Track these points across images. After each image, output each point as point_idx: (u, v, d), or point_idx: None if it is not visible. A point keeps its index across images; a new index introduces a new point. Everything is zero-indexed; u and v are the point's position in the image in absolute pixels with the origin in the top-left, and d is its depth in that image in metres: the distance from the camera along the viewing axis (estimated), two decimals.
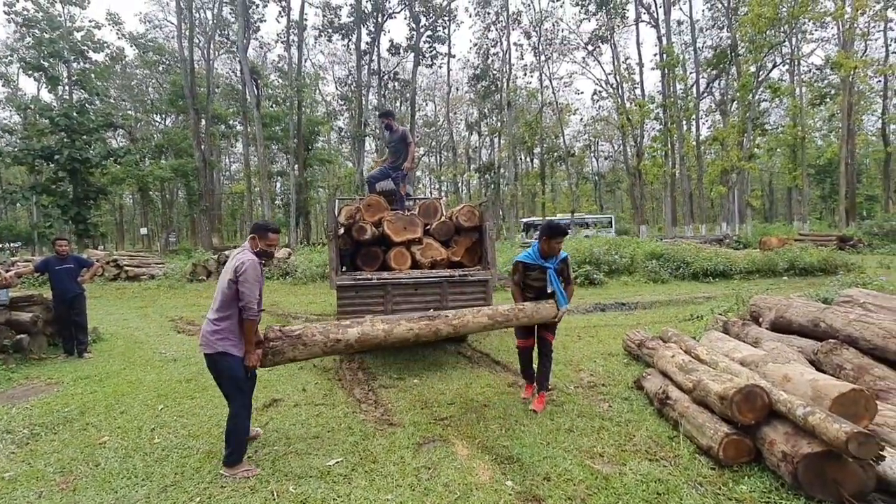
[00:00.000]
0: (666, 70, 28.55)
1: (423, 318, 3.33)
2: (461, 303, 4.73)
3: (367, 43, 26.48)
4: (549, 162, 40.36)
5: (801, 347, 3.79)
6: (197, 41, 30.93)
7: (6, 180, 35.28)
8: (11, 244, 33.74)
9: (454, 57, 31.16)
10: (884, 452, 2.27)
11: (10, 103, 29.47)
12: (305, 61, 36.56)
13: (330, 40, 28.28)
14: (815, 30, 32.10)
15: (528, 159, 48.37)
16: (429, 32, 28.13)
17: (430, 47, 28.58)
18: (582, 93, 62.62)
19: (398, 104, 32.77)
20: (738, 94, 30.16)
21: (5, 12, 25.63)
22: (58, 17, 27.60)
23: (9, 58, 28.46)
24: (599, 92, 40.38)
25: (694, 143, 32.12)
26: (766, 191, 53.25)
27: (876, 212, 34.98)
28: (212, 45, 30.82)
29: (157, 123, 39.29)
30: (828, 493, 2.36)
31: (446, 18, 29.17)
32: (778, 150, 40.08)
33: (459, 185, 47.27)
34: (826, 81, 35.98)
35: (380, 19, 25.54)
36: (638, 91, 34.92)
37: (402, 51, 28.32)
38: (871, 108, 39.13)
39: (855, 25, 26.61)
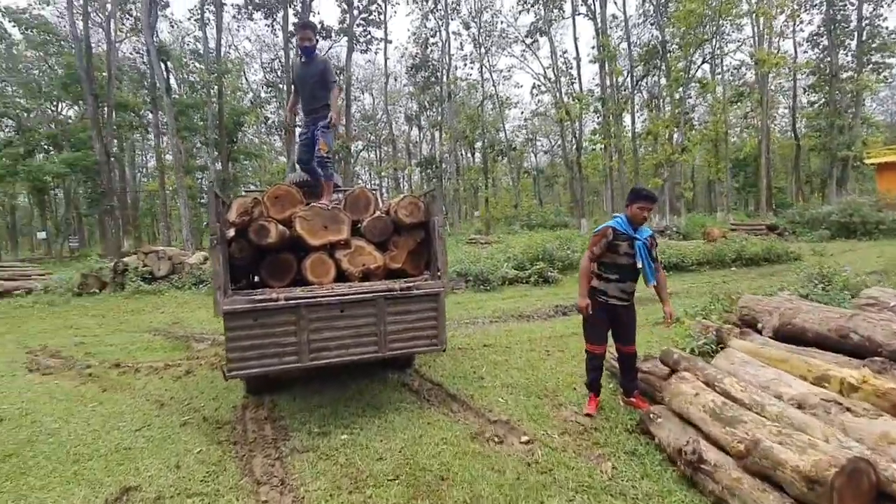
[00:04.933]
0: (605, 62, 28.77)
1: None
2: (406, 325, 3.53)
3: (294, 24, 24.24)
4: (490, 156, 39.90)
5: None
6: (99, 20, 27.09)
7: None
8: None
9: (391, 43, 29.58)
10: None
11: None
12: (230, 47, 33.40)
13: (251, 18, 25.68)
14: (731, 32, 33.96)
15: (469, 154, 47.81)
16: (363, 15, 26.35)
17: (364, 31, 26.79)
18: (521, 86, 62.93)
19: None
20: (669, 88, 31.15)
21: None
22: None
23: None
24: (538, 86, 40.39)
25: (629, 135, 32.84)
26: (690, 183, 56.39)
27: (784, 201, 37.70)
28: (113, 23, 27.11)
29: (55, 112, 34.31)
30: None
31: (381, 2, 27.51)
32: (700, 144, 42.34)
33: (400, 180, 45.75)
34: (742, 80, 38.40)
35: None
36: (576, 86, 35.15)
37: (333, 34, 26.32)
38: (777, 106, 42.47)
39: (773, 24, 28.15)
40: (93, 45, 24.76)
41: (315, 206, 3.72)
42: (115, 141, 31.01)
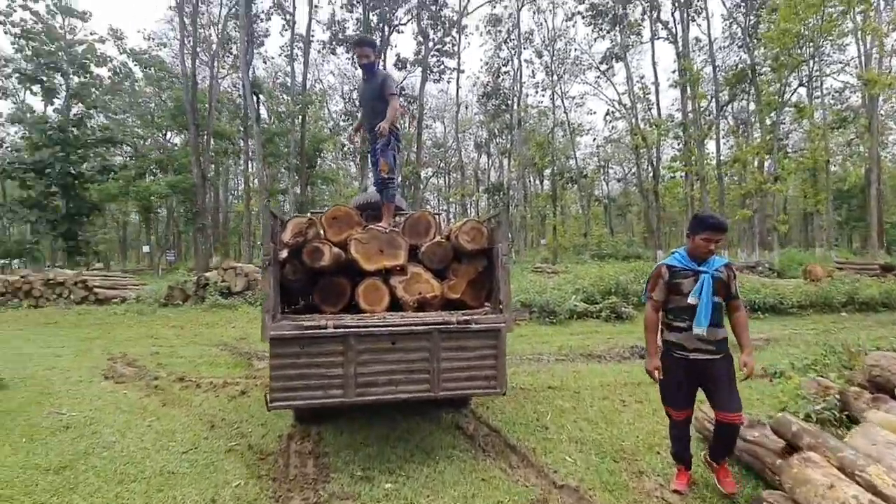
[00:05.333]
0: (687, 87, 27.32)
1: None
2: (462, 363, 3.17)
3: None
4: (560, 183, 39.04)
5: None
6: (205, 59, 30.38)
7: None
8: (12, 260, 32.59)
9: (463, 72, 30.19)
10: None
11: (7, 117, 28.86)
12: (315, 81, 35.92)
13: (334, 53, 27.42)
14: (833, 52, 31.17)
15: (538, 181, 47.22)
16: (437, 46, 27.25)
17: (437, 61, 27.62)
18: (594, 112, 61.39)
19: (405, 121, 31.82)
20: (760, 113, 28.89)
21: (0, 22, 25.09)
22: (58, 28, 27.13)
23: (4, 69, 27.96)
24: (612, 112, 39.35)
25: (713, 163, 30.69)
26: (784, 215, 51.49)
27: None
28: (216, 61, 30.25)
29: (164, 140, 38.69)
30: None
31: (455, 34, 28.31)
32: (795, 173, 38.43)
33: (468, 206, 46.02)
34: (845, 104, 35.02)
35: (386, 31, 24.71)
36: (653, 112, 33.77)
37: (408, 65, 27.40)
38: (888, 132, 37.87)
39: (884, 42, 25.40)
40: (198, 80, 27.68)
41: (372, 229, 3.53)
42: (213, 166, 34.21)
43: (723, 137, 35.72)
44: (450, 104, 42.29)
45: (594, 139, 44.06)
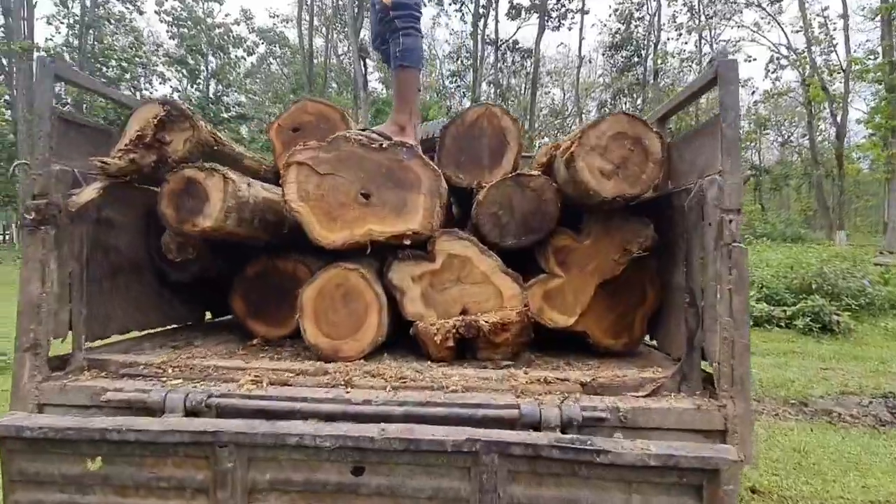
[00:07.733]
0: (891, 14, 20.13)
1: None
2: None
3: (482, 6, 22.86)
4: None
5: None
6: (323, 32, 30.76)
7: None
8: None
9: (587, 13, 25.90)
10: None
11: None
12: (428, 48, 34.50)
13: (440, 3, 25.15)
14: None
15: None
16: None
17: (557, 3, 23.84)
18: (754, 59, 47.06)
19: (519, 81, 28.80)
20: None
21: (156, 12, 27.70)
22: (200, 14, 29.22)
23: (154, 54, 31.10)
24: (777, 59, 31.76)
25: None
26: None
27: None
28: (332, 33, 30.37)
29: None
30: None
31: None
32: None
33: None
34: None
35: None
36: (839, 54, 26.17)
37: (523, 12, 24.13)
38: None
39: None
40: (315, 53, 27.97)
41: (343, 139, 1.37)
42: None
43: None
44: (570, 66, 37.86)
45: (752, 92, 36.54)
